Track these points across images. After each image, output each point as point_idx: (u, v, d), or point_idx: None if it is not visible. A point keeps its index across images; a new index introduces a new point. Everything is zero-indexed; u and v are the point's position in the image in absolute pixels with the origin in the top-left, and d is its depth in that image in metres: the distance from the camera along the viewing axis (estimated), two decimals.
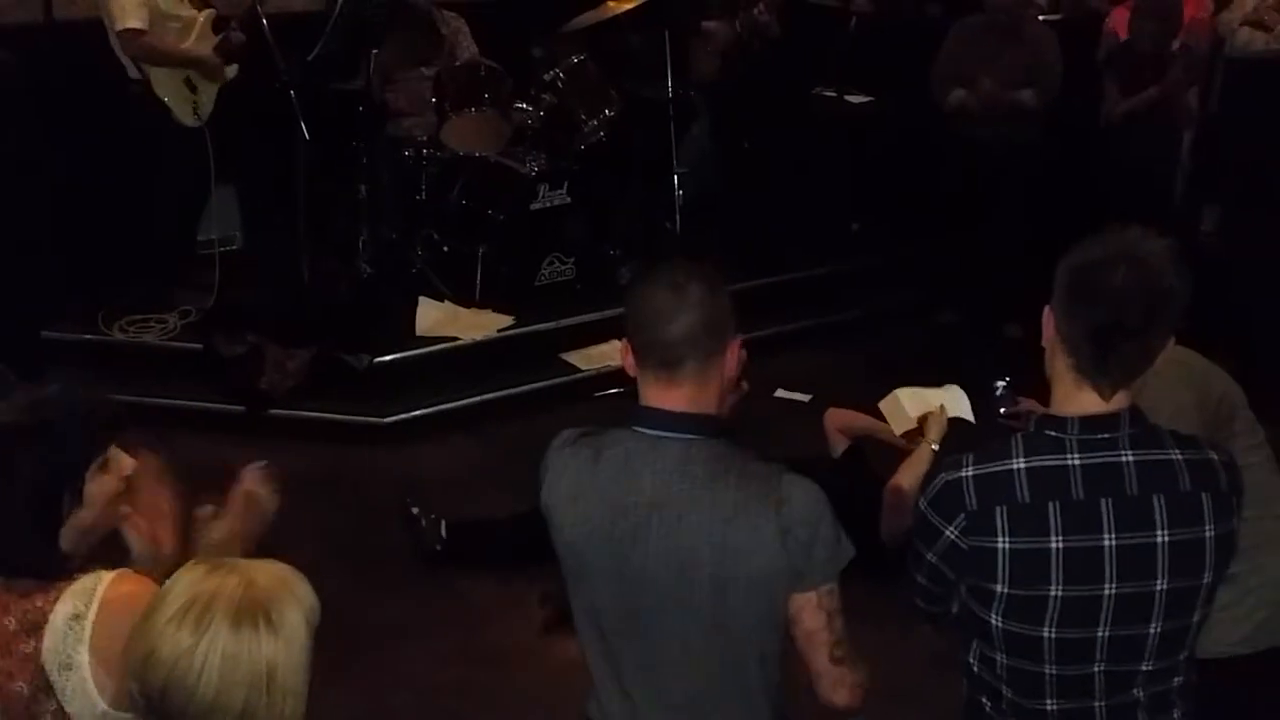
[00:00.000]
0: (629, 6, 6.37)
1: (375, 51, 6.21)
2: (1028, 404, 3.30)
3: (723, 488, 2.08)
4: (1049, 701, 2.11)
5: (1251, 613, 2.87)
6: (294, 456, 5.49)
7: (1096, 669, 2.08)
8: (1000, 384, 3.48)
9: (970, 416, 3.65)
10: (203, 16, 5.89)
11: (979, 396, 3.61)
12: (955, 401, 3.67)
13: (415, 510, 4.76)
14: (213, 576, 1.67)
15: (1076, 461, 2.03)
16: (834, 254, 6.96)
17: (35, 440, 2.06)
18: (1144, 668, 2.08)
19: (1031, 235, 6.62)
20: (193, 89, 5.81)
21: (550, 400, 5.91)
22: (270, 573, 1.71)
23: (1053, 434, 2.06)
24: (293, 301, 6.02)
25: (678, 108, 6.09)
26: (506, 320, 6.15)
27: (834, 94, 7.39)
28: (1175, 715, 2.15)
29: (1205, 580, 2.07)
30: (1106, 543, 2.01)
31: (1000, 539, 2.02)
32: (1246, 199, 6.21)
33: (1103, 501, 2.01)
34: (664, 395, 2.14)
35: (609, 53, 6.67)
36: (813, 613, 2.12)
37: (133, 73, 5.77)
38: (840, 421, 4.66)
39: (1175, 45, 6.34)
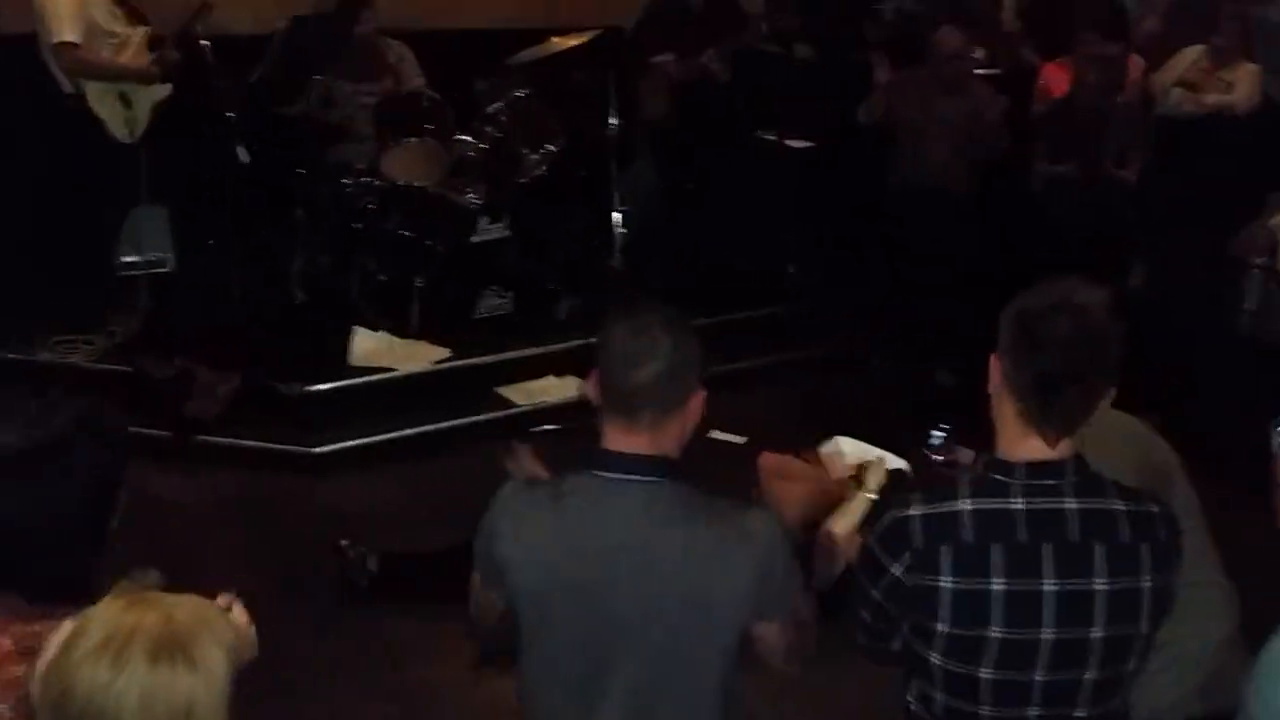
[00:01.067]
0: (575, 43, 6.39)
1: (318, 77, 6.16)
2: (965, 453, 3.32)
3: (695, 528, 2.08)
4: None
5: (1178, 680, 2.90)
6: (221, 484, 5.42)
7: (1031, 713, 2.10)
8: (937, 432, 3.50)
9: (909, 470, 3.67)
10: (138, 34, 5.84)
11: (913, 443, 3.63)
12: (894, 459, 3.70)
13: (344, 543, 4.67)
14: (131, 611, 1.62)
15: (1020, 506, 2.06)
16: (771, 297, 6.99)
17: (82, 453, 1.99)
18: (1077, 714, 2.11)
19: (964, 284, 6.72)
20: (127, 105, 5.74)
21: (485, 435, 5.84)
22: (190, 608, 1.66)
23: (999, 478, 2.09)
24: (224, 326, 5.92)
25: (621, 145, 6.11)
26: (443, 352, 6.10)
27: (775, 138, 7.45)
28: None
29: (1141, 630, 2.10)
30: (1046, 588, 2.04)
31: (944, 578, 2.05)
32: (1174, 256, 6.34)
33: (1044, 546, 2.04)
34: (624, 439, 2.13)
35: (553, 88, 6.68)
36: (776, 637, 2.17)
37: (67, 87, 5.68)
38: (773, 467, 4.65)
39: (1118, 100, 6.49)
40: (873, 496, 3.44)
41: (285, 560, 4.86)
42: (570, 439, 5.87)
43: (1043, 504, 2.06)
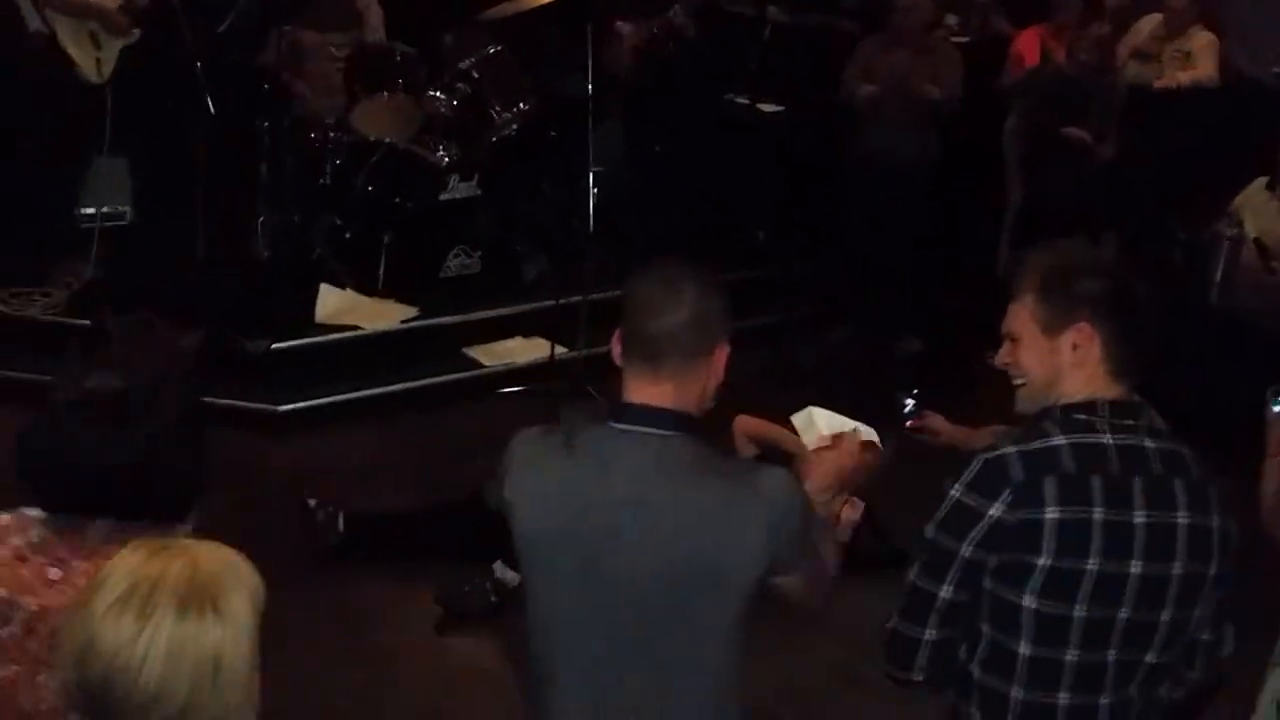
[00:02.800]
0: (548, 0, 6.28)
1: (287, 28, 6.04)
2: (934, 418, 3.32)
3: (708, 484, 2.05)
4: (1062, 694, 2.13)
5: None
6: None
7: (1110, 656, 2.12)
8: (909, 400, 3.48)
9: (879, 440, 3.67)
10: None
11: (880, 408, 3.63)
12: (866, 429, 3.69)
13: (311, 502, 4.62)
14: (155, 560, 1.57)
15: (1109, 441, 2.12)
16: (740, 261, 6.95)
17: (175, 390, 1.99)
18: (1149, 659, 2.14)
19: (930, 252, 6.73)
20: (97, 45, 5.61)
21: (452, 395, 5.81)
22: (215, 556, 1.61)
23: (1082, 417, 2.14)
24: (187, 280, 5.81)
25: (595, 105, 6.04)
26: (410, 311, 6.03)
27: (746, 102, 7.41)
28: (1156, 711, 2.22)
29: (1211, 571, 2.15)
30: (1137, 519, 2.09)
31: (1049, 509, 2.06)
32: (1140, 227, 6.37)
33: (1134, 479, 2.10)
34: (645, 390, 2.11)
35: (526, 46, 6.58)
36: (797, 586, 2.17)
37: (34, 24, 5.55)
38: (749, 428, 4.64)
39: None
40: None
41: (249, 520, 4.77)
42: (537, 401, 5.87)
43: (1127, 440, 2.12)
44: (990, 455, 2.12)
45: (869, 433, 3.64)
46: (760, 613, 2.15)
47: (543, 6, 6.28)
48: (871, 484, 2.89)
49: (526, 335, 6.18)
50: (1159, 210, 6.38)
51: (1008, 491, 2.07)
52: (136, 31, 5.76)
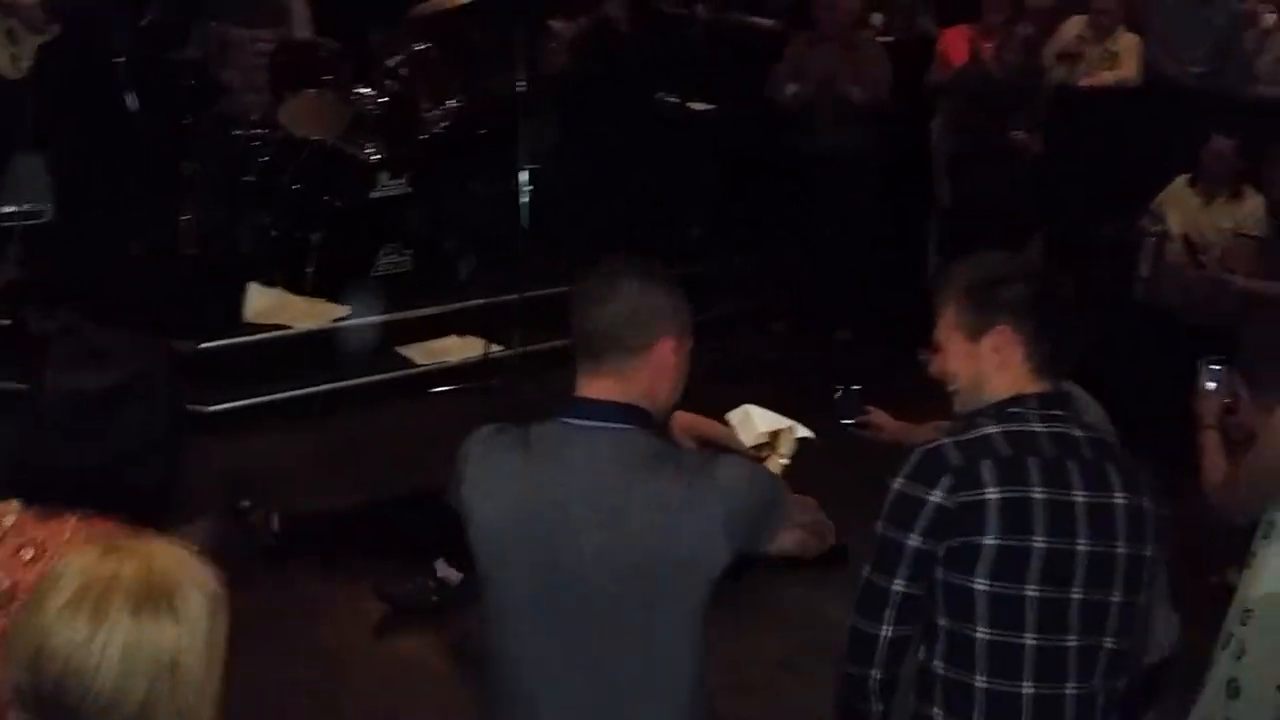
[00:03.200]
0: None
1: (212, 23, 5.94)
2: (877, 414, 3.33)
3: (662, 476, 2.03)
4: (1025, 684, 2.14)
5: None
6: None
7: (1070, 641, 2.15)
8: (839, 389, 3.45)
9: (814, 437, 3.68)
10: None
11: (817, 403, 3.64)
12: (801, 428, 3.71)
13: (244, 504, 4.55)
14: (108, 560, 1.51)
15: (1041, 429, 2.19)
16: (675, 258, 6.94)
17: (159, 388, 2.01)
18: (1107, 643, 2.17)
19: (861, 245, 6.78)
20: (13, 41, 5.48)
21: (384, 394, 5.75)
22: (170, 554, 1.55)
23: (1013, 410, 2.21)
24: (112, 280, 5.69)
25: (526, 102, 6.01)
26: (341, 310, 5.95)
27: (678, 100, 7.41)
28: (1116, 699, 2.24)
29: (1148, 553, 2.19)
30: (1078, 499, 2.14)
31: (988, 490, 2.11)
32: (1067, 225, 6.47)
33: (1069, 462, 2.16)
34: (592, 385, 2.10)
35: (455, 43, 6.53)
36: (785, 545, 2.20)
37: None
38: (688, 425, 4.64)
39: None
40: (785, 461, 3.46)
41: (181, 523, 4.69)
42: (472, 399, 5.82)
43: (1057, 428, 2.20)
44: (928, 447, 2.19)
45: (804, 431, 3.68)
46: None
47: (472, 4, 6.26)
48: (814, 481, 2.91)
49: (460, 333, 6.13)
50: (1085, 209, 6.48)
51: (947, 476, 2.12)
52: (55, 27, 5.63)
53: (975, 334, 2.25)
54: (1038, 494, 2.12)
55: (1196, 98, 6.68)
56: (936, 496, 2.12)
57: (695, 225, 7.26)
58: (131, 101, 5.51)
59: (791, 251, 6.86)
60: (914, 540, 2.14)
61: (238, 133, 6.16)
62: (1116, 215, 6.17)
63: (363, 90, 6.27)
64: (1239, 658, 2.88)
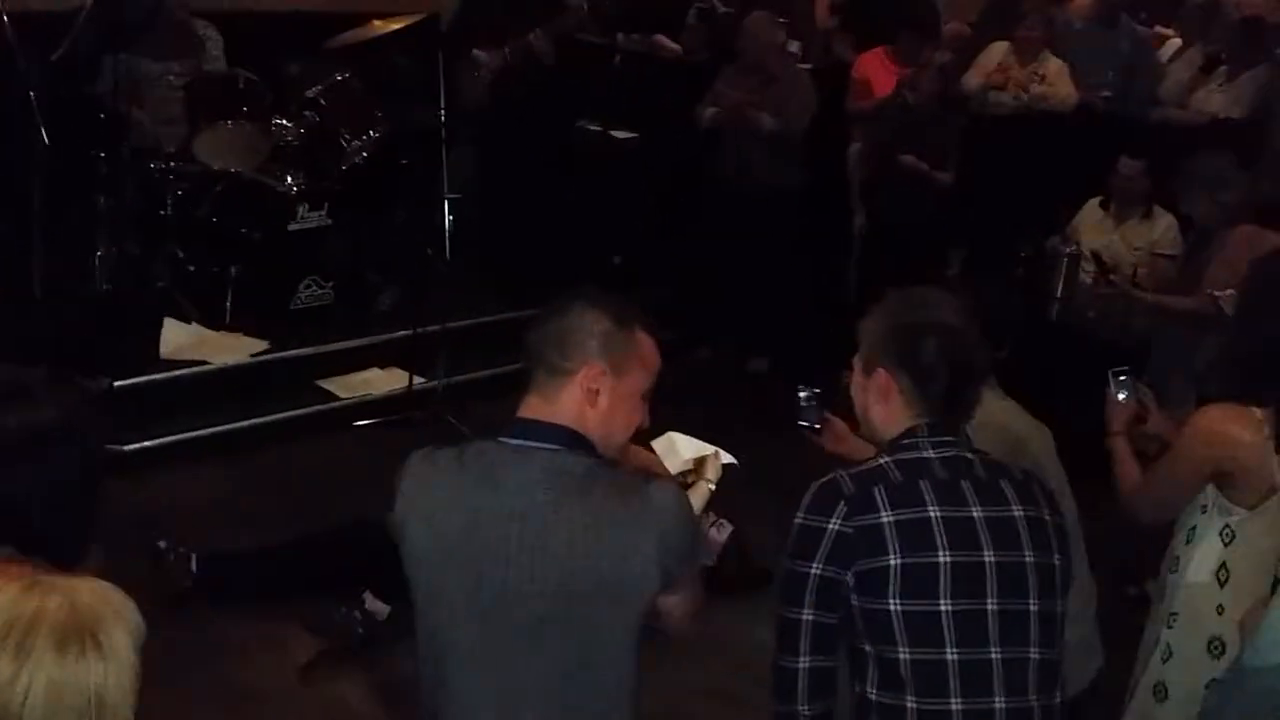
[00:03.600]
0: (396, 27, 6.22)
1: (123, 55, 5.85)
2: (836, 423, 3.32)
3: (596, 498, 2.02)
4: (954, 700, 2.16)
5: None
6: None
7: (994, 654, 2.17)
8: (802, 392, 3.46)
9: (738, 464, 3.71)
10: None
11: (733, 427, 3.66)
12: (725, 454, 3.74)
13: (162, 544, 4.45)
14: (29, 597, 1.50)
15: (932, 454, 2.26)
16: (597, 286, 6.95)
17: (77, 435, 1.97)
18: (1033, 654, 2.20)
19: (787, 274, 6.83)
20: None
21: (306, 428, 5.68)
22: (92, 591, 1.55)
23: (906, 440, 2.27)
24: (23, 317, 5.57)
25: (448, 133, 5.99)
26: (260, 344, 5.87)
27: (599, 128, 7.44)
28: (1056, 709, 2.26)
29: (1056, 562, 2.25)
30: (976, 514, 2.20)
31: (883, 513, 2.17)
32: (989, 247, 6.58)
33: (962, 482, 2.23)
34: (528, 403, 2.12)
35: (375, 73, 6.50)
36: (678, 605, 2.16)
37: None
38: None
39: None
40: (712, 486, 3.47)
41: (99, 563, 4.59)
42: (396, 432, 5.77)
43: (950, 452, 2.27)
44: (822, 480, 2.25)
45: (728, 457, 3.69)
46: None
47: (391, 34, 6.24)
48: (738, 506, 2.91)
49: (383, 366, 6.08)
50: (1003, 230, 6.58)
51: (841, 504, 2.19)
52: None
53: (866, 370, 2.35)
54: (934, 512, 2.18)
55: (1106, 120, 6.85)
56: (834, 524, 2.17)
57: (617, 253, 7.27)
58: (42, 136, 5.39)
59: (711, 279, 6.89)
60: (816, 569, 2.17)
61: (152, 166, 6.06)
62: (1032, 237, 6.27)
63: (281, 121, 6.21)
64: (1165, 660, 2.93)
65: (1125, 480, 3.09)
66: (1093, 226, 6.10)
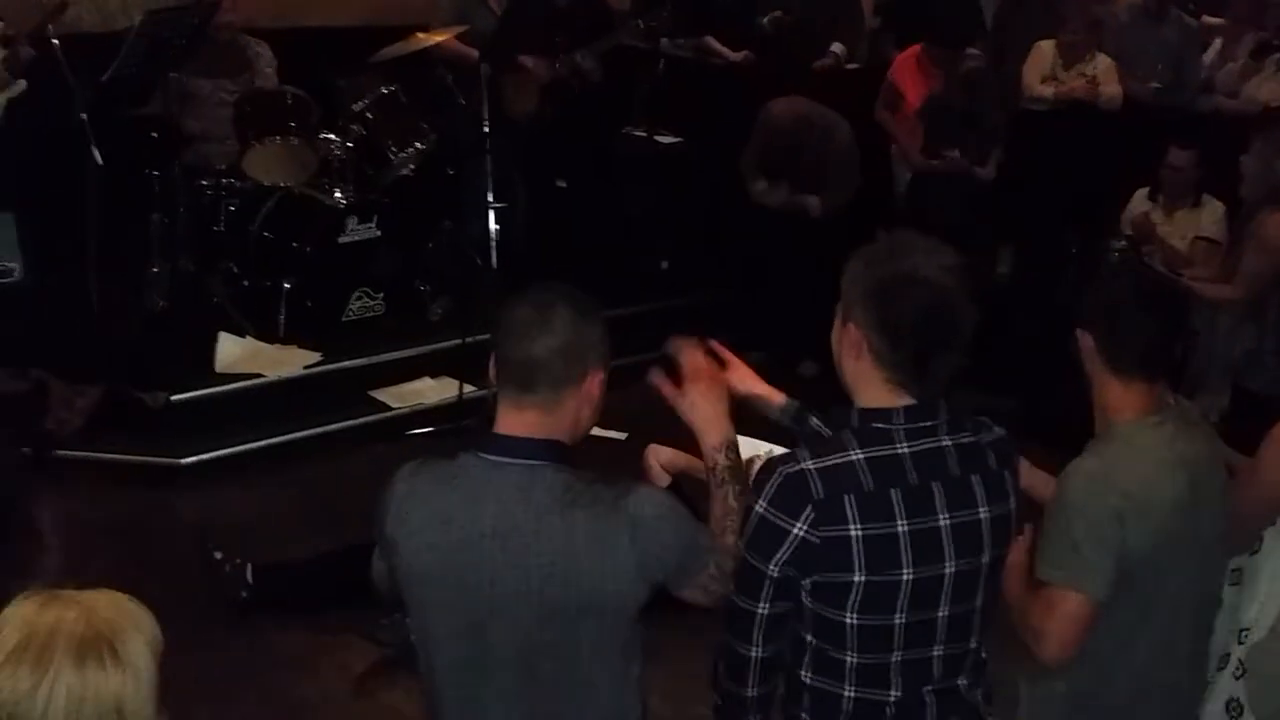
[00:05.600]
0: (440, 39, 6.28)
1: (174, 75, 5.95)
2: (732, 361, 3.28)
3: (573, 515, 2.02)
4: (892, 692, 2.17)
5: None
6: (84, 502, 5.19)
7: (936, 651, 2.17)
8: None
9: None
10: None
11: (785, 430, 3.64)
12: (780, 451, 3.73)
13: (218, 556, 4.52)
14: (48, 610, 1.53)
15: (906, 450, 2.12)
16: (645, 293, 6.97)
17: None
18: (971, 645, 2.21)
19: (831, 277, 6.79)
20: None
21: (359, 439, 5.73)
22: (110, 602, 1.58)
23: (879, 426, 2.14)
24: (81, 336, 5.68)
25: (494, 143, 6.03)
26: (313, 356, 5.94)
27: (644, 134, 7.45)
28: (979, 695, 2.27)
29: (1008, 551, 2.26)
30: (942, 522, 2.12)
31: (852, 526, 2.07)
32: (1040, 244, 6.51)
33: (934, 485, 2.12)
34: (513, 419, 2.10)
35: (420, 85, 6.56)
36: (699, 595, 2.14)
37: None
38: (662, 458, 4.64)
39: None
40: None
41: (154, 578, 4.63)
42: (448, 441, 5.81)
43: (924, 445, 2.13)
44: (790, 470, 2.10)
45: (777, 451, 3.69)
46: None
47: (435, 47, 6.29)
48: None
49: (434, 375, 6.13)
50: (1052, 226, 6.52)
51: (809, 509, 2.07)
52: (22, 83, 5.65)
53: (843, 319, 2.19)
54: (902, 527, 2.09)
55: (1155, 113, 6.76)
56: (800, 529, 2.08)
57: (665, 258, 7.27)
58: (96, 156, 5.50)
59: (760, 283, 6.87)
60: (775, 570, 2.11)
61: (204, 183, 6.17)
62: (1080, 230, 6.21)
63: (329, 135, 6.28)
64: (1238, 677, 2.87)
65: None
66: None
